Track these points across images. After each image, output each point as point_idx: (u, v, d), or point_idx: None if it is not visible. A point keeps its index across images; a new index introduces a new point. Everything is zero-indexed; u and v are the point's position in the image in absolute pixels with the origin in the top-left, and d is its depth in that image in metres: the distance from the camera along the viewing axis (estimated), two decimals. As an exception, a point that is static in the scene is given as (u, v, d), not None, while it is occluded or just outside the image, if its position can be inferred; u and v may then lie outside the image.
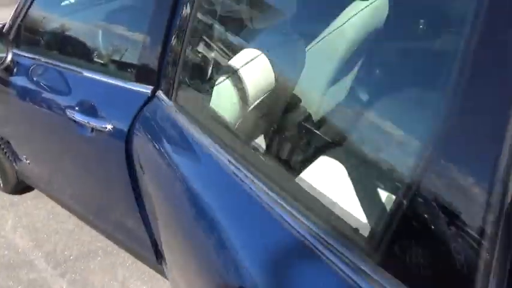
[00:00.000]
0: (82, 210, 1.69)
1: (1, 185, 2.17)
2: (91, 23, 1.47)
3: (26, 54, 1.48)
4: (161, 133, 1.07)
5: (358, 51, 1.65)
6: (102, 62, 1.29)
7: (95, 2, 1.64)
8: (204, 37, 1.11)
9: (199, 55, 1.09)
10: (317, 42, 1.58)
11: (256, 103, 1.26)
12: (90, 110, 1.20)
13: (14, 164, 1.93)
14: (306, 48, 1.49)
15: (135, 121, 1.11)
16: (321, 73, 1.57)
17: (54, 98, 1.36)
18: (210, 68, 1.12)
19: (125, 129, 1.12)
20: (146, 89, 1.12)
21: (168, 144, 1.02)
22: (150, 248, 1.32)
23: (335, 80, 1.64)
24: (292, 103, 1.36)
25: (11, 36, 1.52)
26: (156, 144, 1.04)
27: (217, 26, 1.12)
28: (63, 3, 1.56)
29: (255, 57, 1.24)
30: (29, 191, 2.23)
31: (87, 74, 1.27)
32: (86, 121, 1.19)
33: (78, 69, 1.30)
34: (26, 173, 1.89)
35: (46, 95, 1.39)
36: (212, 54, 1.11)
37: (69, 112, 1.26)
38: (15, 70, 1.49)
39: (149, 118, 1.09)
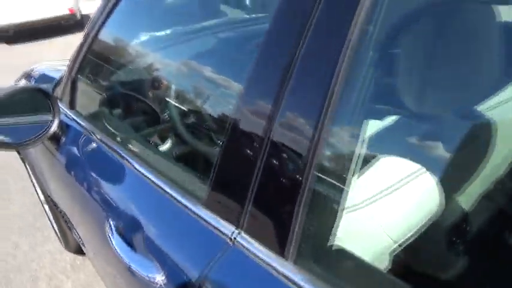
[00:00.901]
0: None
1: (63, 245, 1.92)
2: (161, 92, 1.03)
3: (78, 120, 1.12)
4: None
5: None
6: (166, 160, 0.83)
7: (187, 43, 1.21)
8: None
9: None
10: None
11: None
12: (134, 236, 0.75)
13: (70, 231, 1.64)
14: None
15: (205, 279, 0.62)
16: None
17: (95, 191, 0.95)
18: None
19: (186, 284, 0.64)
20: (225, 227, 0.62)
21: None
22: None
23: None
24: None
25: (65, 96, 1.17)
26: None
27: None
28: (125, 53, 1.16)
29: (414, 174, 0.68)
30: (91, 254, 1.95)
31: (141, 169, 0.83)
32: (125, 257, 0.73)
33: (129, 158, 0.87)
34: (79, 243, 1.57)
35: (89, 181, 1.00)
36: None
37: (108, 227, 0.82)
38: (63, 139, 1.13)
39: (228, 279, 0.60)
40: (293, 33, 0.52)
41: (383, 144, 0.66)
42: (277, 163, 0.55)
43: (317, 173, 0.52)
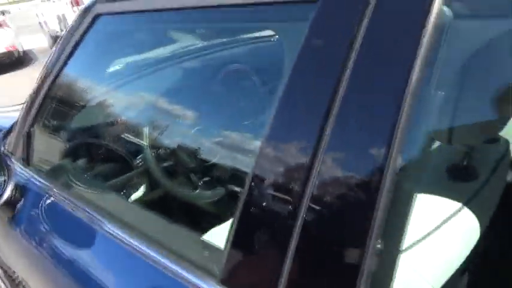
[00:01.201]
0: None
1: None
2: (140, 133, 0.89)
3: (37, 177, 0.95)
4: None
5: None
6: (153, 220, 0.70)
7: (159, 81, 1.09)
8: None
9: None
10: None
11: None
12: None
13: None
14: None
15: None
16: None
17: (66, 265, 0.79)
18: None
19: None
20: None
21: None
22: None
23: None
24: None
25: (18, 149, 0.99)
26: None
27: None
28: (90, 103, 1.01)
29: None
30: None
31: (120, 233, 0.68)
32: None
33: (104, 219, 0.72)
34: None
35: (56, 252, 0.83)
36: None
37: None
38: (20, 203, 0.95)
39: None
40: (336, 65, 0.44)
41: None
42: (319, 225, 0.45)
43: (375, 240, 0.42)
